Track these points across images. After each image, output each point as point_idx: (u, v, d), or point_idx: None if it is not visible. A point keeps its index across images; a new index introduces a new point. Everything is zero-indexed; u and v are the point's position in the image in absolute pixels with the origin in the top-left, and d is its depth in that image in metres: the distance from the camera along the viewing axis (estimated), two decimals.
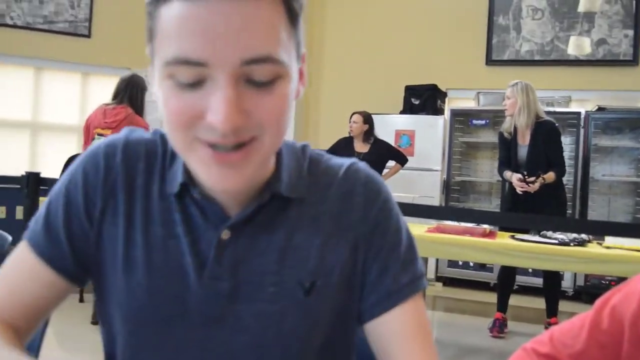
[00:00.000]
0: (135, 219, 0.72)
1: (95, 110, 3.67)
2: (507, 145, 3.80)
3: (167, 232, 0.71)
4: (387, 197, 0.76)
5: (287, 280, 0.70)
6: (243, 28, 0.57)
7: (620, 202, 5.08)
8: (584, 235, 3.02)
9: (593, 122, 5.05)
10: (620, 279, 3.34)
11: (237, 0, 0.56)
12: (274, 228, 0.71)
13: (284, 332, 0.70)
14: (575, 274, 4.95)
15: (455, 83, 5.76)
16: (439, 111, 5.54)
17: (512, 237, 3.15)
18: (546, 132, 3.63)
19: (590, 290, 4.84)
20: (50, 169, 4.18)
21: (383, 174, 4.71)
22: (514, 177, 3.64)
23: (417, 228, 3.30)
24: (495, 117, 5.27)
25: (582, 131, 5.06)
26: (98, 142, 0.76)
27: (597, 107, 5.12)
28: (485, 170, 5.61)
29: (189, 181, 0.70)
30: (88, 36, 5.56)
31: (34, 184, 3.16)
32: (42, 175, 3.27)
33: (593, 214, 5.02)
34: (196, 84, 0.59)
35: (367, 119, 4.66)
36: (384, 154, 4.68)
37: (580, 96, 5.40)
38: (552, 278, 3.69)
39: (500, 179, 4.73)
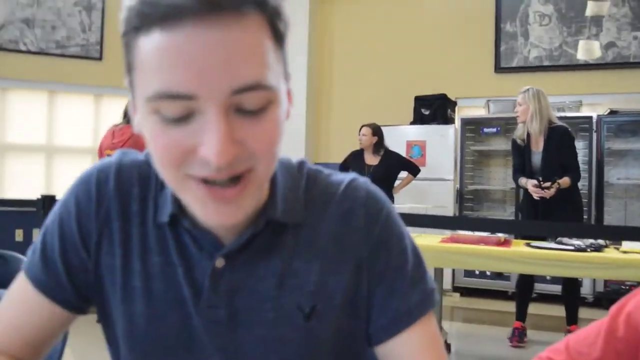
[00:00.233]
0: (132, 247, 0.70)
1: (106, 132, 3.73)
2: (520, 152, 3.78)
3: (164, 260, 0.69)
4: (389, 214, 0.72)
5: (286, 305, 0.68)
6: (230, 56, 0.53)
7: (636, 206, 5.02)
8: (600, 241, 2.99)
9: (605, 126, 5.01)
10: None
11: (222, 27, 0.52)
12: (271, 254, 0.68)
13: (286, 357, 0.68)
14: (594, 280, 4.88)
15: (465, 92, 5.76)
16: (449, 120, 5.53)
17: (528, 244, 3.12)
18: (559, 137, 3.61)
19: (610, 296, 4.76)
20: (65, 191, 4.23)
21: (395, 185, 4.71)
22: (530, 184, 3.62)
23: (431, 239, 3.28)
24: (506, 125, 5.25)
25: (594, 135, 5.02)
26: (89, 167, 0.73)
27: (609, 111, 5.08)
28: (499, 178, 5.58)
29: (179, 211, 0.67)
30: (99, 59, 5.65)
31: (50, 206, 3.20)
32: (57, 197, 3.32)
33: (609, 219, 4.96)
34: (183, 119, 0.55)
35: (376, 130, 4.66)
36: (394, 165, 4.67)
37: (592, 100, 5.36)
38: (571, 285, 3.65)
39: (514, 186, 4.70)
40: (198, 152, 0.55)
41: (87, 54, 5.61)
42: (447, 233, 3.31)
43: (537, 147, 3.70)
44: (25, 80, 5.43)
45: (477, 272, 5.17)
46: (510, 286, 4.92)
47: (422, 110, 5.56)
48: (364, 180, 0.75)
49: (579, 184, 3.75)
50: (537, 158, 3.71)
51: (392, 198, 4.61)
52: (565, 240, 3.06)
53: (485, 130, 5.52)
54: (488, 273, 5.13)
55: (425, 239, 3.29)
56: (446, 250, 3.04)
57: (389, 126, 5.16)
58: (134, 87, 0.59)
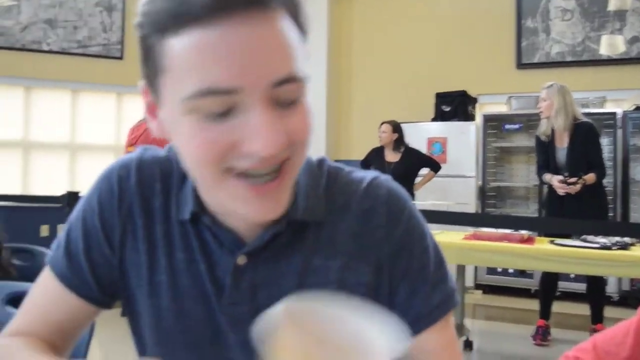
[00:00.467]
0: (157, 243, 0.71)
1: (129, 129, 3.80)
2: (544, 149, 3.74)
3: (188, 257, 0.70)
4: (411, 213, 0.72)
5: None
6: (268, 50, 0.54)
7: None
8: (626, 239, 2.94)
9: (631, 122, 4.92)
10: None
11: (257, 21, 0.54)
12: (292, 252, 0.69)
13: None
14: (620, 279, 4.80)
15: (486, 88, 5.70)
16: (470, 117, 5.49)
17: (552, 242, 3.09)
18: (584, 134, 3.57)
19: (637, 294, 4.69)
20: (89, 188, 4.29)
21: (416, 182, 4.68)
22: (555, 179, 3.58)
23: (454, 235, 3.26)
24: (528, 121, 5.18)
25: (619, 132, 4.93)
26: (111, 164, 0.74)
27: (634, 107, 4.99)
28: (521, 175, 5.52)
29: (199, 209, 0.67)
30: (121, 58, 5.71)
31: (74, 202, 3.24)
32: (82, 194, 3.36)
33: (635, 216, 4.88)
34: (224, 114, 0.55)
35: (396, 127, 4.64)
36: (415, 162, 4.65)
37: (616, 96, 5.27)
38: (596, 283, 3.59)
39: (537, 183, 4.65)
40: (241, 146, 0.56)
41: (108, 53, 5.67)
42: (470, 230, 3.28)
43: (562, 144, 3.66)
44: (48, 80, 5.51)
45: (499, 270, 5.12)
46: (533, 284, 4.86)
47: (443, 107, 5.53)
48: (386, 178, 0.74)
49: (604, 181, 3.70)
50: (561, 154, 3.66)
51: (412, 195, 4.59)
52: (590, 237, 3.02)
53: (507, 126, 5.47)
54: (511, 271, 5.08)
55: (447, 236, 3.27)
56: (469, 248, 3.02)
57: (409, 123, 5.14)
58: (160, 91, 0.59)
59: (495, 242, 3.03)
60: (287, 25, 0.57)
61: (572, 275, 4.49)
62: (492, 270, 5.19)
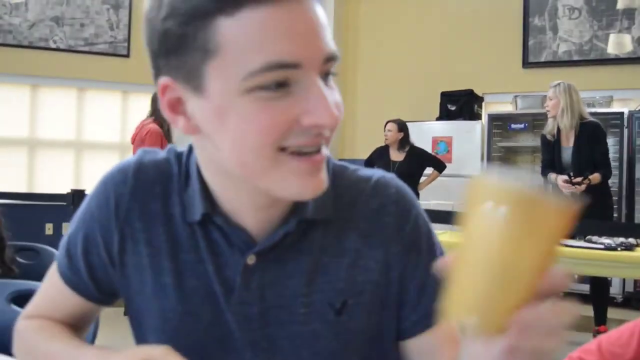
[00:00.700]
0: (160, 245, 0.71)
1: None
2: (550, 148, 3.73)
3: (195, 258, 0.70)
4: (419, 212, 0.73)
5: (317, 301, 0.69)
6: (320, 27, 0.58)
7: None
8: (631, 240, 2.93)
9: (637, 122, 4.89)
10: None
11: (307, 2, 0.57)
12: (301, 250, 0.69)
13: (318, 351, 0.69)
14: (623, 280, 4.78)
15: (492, 87, 5.68)
16: (475, 116, 5.47)
17: None
18: (591, 133, 3.56)
19: None
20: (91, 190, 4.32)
21: (421, 181, 4.68)
22: (560, 179, 3.57)
23: (457, 236, 3.25)
24: (534, 121, 5.16)
25: (625, 132, 4.91)
26: (111, 167, 0.75)
27: None
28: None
29: (211, 210, 0.67)
30: (127, 56, 5.71)
31: (79, 201, 3.26)
32: (87, 192, 3.37)
33: None
34: (284, 90, 0.56)
35: (402, 126, 4.64)
36: (420, 162, 4.65)
37: (623, 95, 5.24)
38: (600, 284, 3.58)
39: (542, 183, 4.63)
40: (302, 120, 0.57)
41: (114, 51, 5.68)
42: None
43: (568, 143, 3.64)
44: (55, 78, 5.52)
45: None
46: None
47: (449, 106, 5.51)
48: (392, 177, 0.75)
49: (609, 182, 3.68)
50: (567, 154, 3.65)
51: (417, 195, 4.58)
52: (594, 238, 3.00)
53: (513, 126, 5.45)
54: None
55: (450, 237, 3.25)
56: None
57: (415, 122, 5.13)
58: (204, 77, 0.57)
59: None
60: (321, 7, 0.60)
61: (576, 276, 4.47)
62: None
